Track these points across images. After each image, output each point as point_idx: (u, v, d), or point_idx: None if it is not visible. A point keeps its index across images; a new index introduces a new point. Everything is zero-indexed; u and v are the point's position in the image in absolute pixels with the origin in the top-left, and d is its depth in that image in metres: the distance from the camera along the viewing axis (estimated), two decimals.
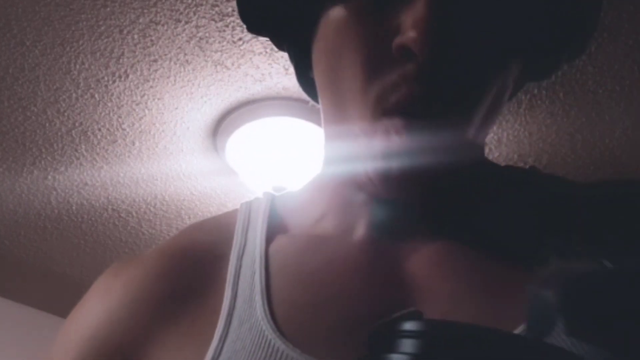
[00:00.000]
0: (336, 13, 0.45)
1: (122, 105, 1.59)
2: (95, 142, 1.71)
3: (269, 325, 0.42)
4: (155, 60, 1.47)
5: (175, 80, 1.52)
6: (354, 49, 0.44)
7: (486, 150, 1.68)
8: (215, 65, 1.47)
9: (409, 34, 0.41)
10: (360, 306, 0.44)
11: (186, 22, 1.38)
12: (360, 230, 0.49)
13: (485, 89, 0.44)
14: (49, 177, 1.82)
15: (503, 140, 1.65)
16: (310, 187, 0.55)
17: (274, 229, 0.51)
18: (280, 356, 0.40)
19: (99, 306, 0.48)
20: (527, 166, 0.55)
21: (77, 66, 1.49)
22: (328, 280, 0.45)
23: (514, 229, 0.47)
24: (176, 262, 0.49)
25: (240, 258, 0.48)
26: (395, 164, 0.43)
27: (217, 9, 1.34)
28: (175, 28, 1.39)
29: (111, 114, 1.62)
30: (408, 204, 0.48)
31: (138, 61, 1.47)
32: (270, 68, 1.48)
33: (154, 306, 0.47)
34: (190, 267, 0.48)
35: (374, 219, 0.49)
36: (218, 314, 0.45)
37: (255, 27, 0.51)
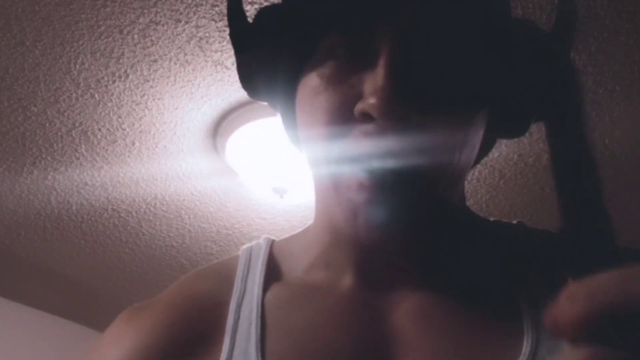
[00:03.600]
0: (309, 80, 0.49)
1: (122, 105, 1.60)
2: (95, 142, 1.71)
3: None
4: (155, 61, 1.47)
5: (175, 80, 1.52)
6: (322, 111, 0.48)
7: None
8: (215, 65, 1.48)
9: (368, 101, 0.44)
10: None
11: (186, 22, 1.38)
12: (347, 280, 0.52)
13: (449, 144, 0.47)
14: (49, 177, 1.82)
15: (502, 140, 1.65)
16: (305, 231, 0.58)
17: (271, 276, 0.54)
18: None
19: (113, 352, 0.51)
20: (515, 221, 0.57)
21: (77, 66, 1.49)
22: (316, 334, 0.49)
23: (495, 279, 0.50)
24: (182, 312, 0.52)
25: (239, 307, 0.52)
26: (375, 165, 0.45)
27: (217, 9, 1.34)
28: (175, 28, 1.39)
29: (111, 114, 1.62)
30: (396, 226, 0.49)
31: (138, 61, 1.47)
32: None
33: (165, 353, 0.50)
34: (195, 316, 0.52)
35: (361, 269, 0.51)
36: None
37: (254, 96, 0.56)
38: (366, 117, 0.45)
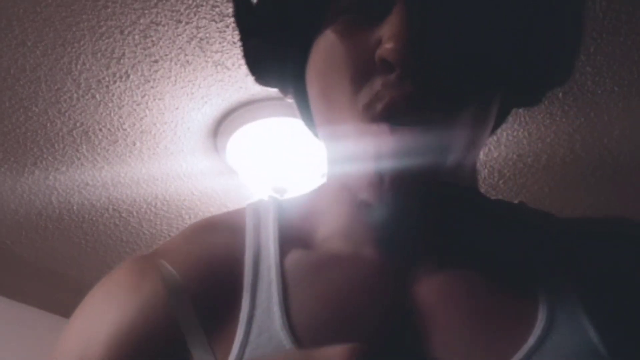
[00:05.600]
0: (322, 39, 0.48)
1: (123, 106, 1.60)
2: (96, 142, 1.71)
3: (289, 337, 0.44)
4: (156, 61, 1.48)
5: (176, 81, 1.52)
6: (341, 66, 0.46)
7: (485, 151, 1.69)
8: (216, 66, 1.48)
9: (385, 46, 0.43)
10: (372, 329, 0.46)
11: (187, 23, 1.38)
12: (369, 250, 0.51)
13: (467, 95, 0.46)
14: (50, 177, 1.83)
15: (502, 140, 1.66)
16: (316, 197, 0.57)
17: (285, 239, 0.52)
18: None
19: (130, 302, 0.48)
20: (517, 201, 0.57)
21: (78, 67, 1.49)
22: (341, 299, 0.47)
23: (509, 252, 0.50)
24: (201, 264, 0.50)
25: (256, 264, 0.50)
26: (386, 165, 0.44)
27: (217, 9, 1.35)
28: (176, 29, 1.40)
29: (112, 114, 1.63)
30: (408, 220, 0.49)
31: (139, 62, 1.48)
32: None
33: (190, 304, 0.47)
34: (214, 269, 0.50)
35: (381, 238, 0.51)
36: (237, 321, 0.46)
37: (264, 81, 0.54)
38: (386, 67, 0.43)
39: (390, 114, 0.44)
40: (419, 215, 0.49)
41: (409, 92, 0.43)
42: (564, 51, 0.51)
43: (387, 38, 0.43)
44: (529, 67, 0.49)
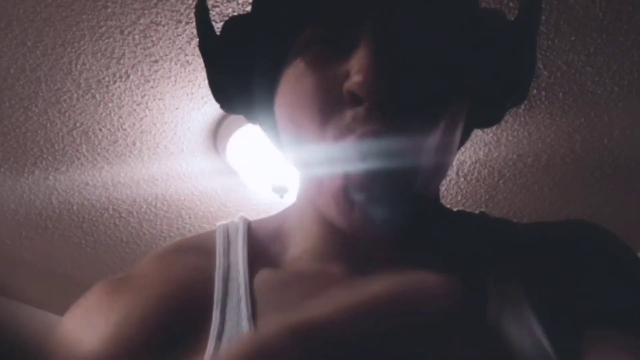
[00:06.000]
0: (292, 69, 0.49)
1: (123, 106, 1.60)
2: (96, 142, 1.71)
3: None
4: (156, 61, 1.48)
5: (176, 81, 1.52)
6: (310, 97, 0.47)
7: (486, 151, 1.69)
8: None
9: (353, 80, 0.44)
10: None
11: (187, 23, 1.38)
12: (336, 268, 0.52)
13: (434, 121, 0.47)
14: (50, 177, 1.83)
15: (502, 140, 1.66)
16: (286, 216, 0.58)
17: (255, 257, 0.54)
18: None
19: (100, 321, 0.50)
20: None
21: (78, 67, 1.49)
22: None
23: (465, 257, 0.52)
24: (171, 285, 0.52)
25: (225, 282, 0.52)
26: (355, 187, 0.45)
27: (217, 9, 1.35)
28: (176, 29, 1.40)
29: (112, 115, 1.63)
30: (376, 236, 0.50)
31: (139, 62, 1.48)
32: None
33: (157, 325, 0.49)
34: (183, 289, 0.51)
35: (348, 257, 0.52)
36: (207, 335, 0.48)
37: (229, 108, 0.55)
38: (354, 100, 0.44)
39: (360, 146, 0.45)
40: (386, 232, 0.50)
41: (377, 127, 0.44)
42: (518, 72, 0.53)
43: (355, 72, 0.44)
44: (488, 85, 0.52)
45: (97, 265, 2.25)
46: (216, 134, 1.67)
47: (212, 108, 1.59)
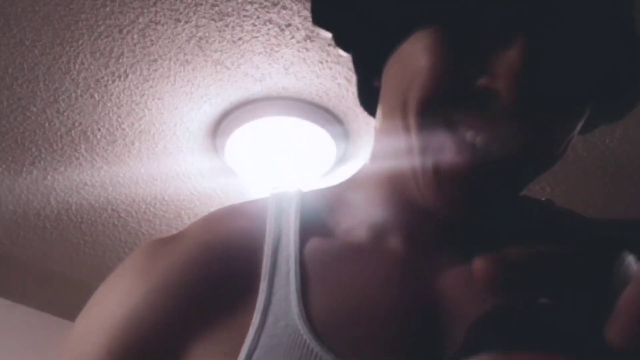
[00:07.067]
0: (427, 34, 0.45)
1: (122, 105, 1.59)
2: (95, 142, 1.70)
3: (305, 326, 0.44)
4: (155, 60, 1.47)
5: (175, 80, 1.52)
6: (434, 70, 0.44)
7: None
8: (215, 65, 1.47)
9: (501, 82, 0.42)
10: (393, 323, 0.45)
11: (186, 22, 1.38)
12: (394, 242, 0.51)
13: (564, 135, 0.47)
14: (49, 177, 1.82)
15: None
16: (344, 189, 0.56)
17: (307, 228, 0.52)
18: (315, 357, 0.42)
19: (136, 286, 0.48)
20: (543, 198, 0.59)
21: (77, 66, 1.48)
22: (364, 292, 0.47)
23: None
24: (216, 250, 0.49)
25: (275, 252, 0.49)
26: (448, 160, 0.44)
27: (216, 8, 1.34)
28: (175, 28, 1.39)
29: (111, 114, 1.62)
30: (442, 216, 0.48)
31: (138, 61, 1.47)
32: (270, 68, 1.48)
33: (196, 296, 0.47)
34: (229, 256, 0.49)
35: (409, 231, 0.51)
36: (253, 308, 0.46)
37: (328, 22, 0.51)
38: (487, 95, 0.43)
39: (484, 148, 0.44)
40: (489, 206, 0.48)
41: (511, 133, 0.43)
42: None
43: (502, 72, 0.42)
44: (618, 87, 0.50)
45: (96, 266, 2.25)
46: (215, 134, 1.67)
47: (211, 108, 1.59)
